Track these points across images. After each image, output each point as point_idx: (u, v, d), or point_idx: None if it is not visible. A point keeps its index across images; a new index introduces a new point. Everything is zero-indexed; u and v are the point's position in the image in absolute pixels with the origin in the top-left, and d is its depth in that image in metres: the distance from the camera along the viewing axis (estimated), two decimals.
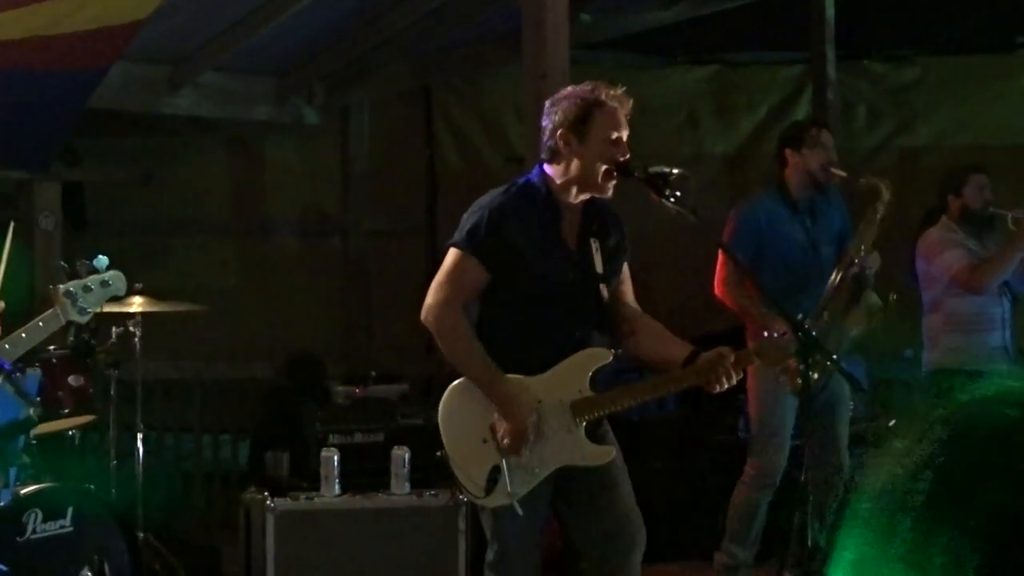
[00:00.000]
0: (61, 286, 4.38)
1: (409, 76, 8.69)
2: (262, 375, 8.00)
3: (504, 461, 4.19)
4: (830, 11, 8.19)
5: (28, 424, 4.44)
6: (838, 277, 5.68)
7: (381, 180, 8.99)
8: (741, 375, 4.30)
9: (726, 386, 4.23)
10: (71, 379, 5.36)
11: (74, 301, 4.39)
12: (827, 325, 5.52)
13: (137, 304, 5.93)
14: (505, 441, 4.18)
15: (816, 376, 5.27)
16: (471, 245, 4.23)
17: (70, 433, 5.59)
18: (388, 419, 6.11)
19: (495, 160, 8.46)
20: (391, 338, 8.31)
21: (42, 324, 4.39)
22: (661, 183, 4.19)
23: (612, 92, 4.25)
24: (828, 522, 5.96)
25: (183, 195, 8.70)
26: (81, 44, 6.31)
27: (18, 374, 4.24)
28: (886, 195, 5.74)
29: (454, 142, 8.99)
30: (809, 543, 4.83)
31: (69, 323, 4.52)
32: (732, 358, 4.22)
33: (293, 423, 6.15)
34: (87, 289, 4.42)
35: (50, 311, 4.41)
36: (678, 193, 4.18)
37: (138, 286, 5.79)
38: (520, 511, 4.20)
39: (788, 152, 5.90)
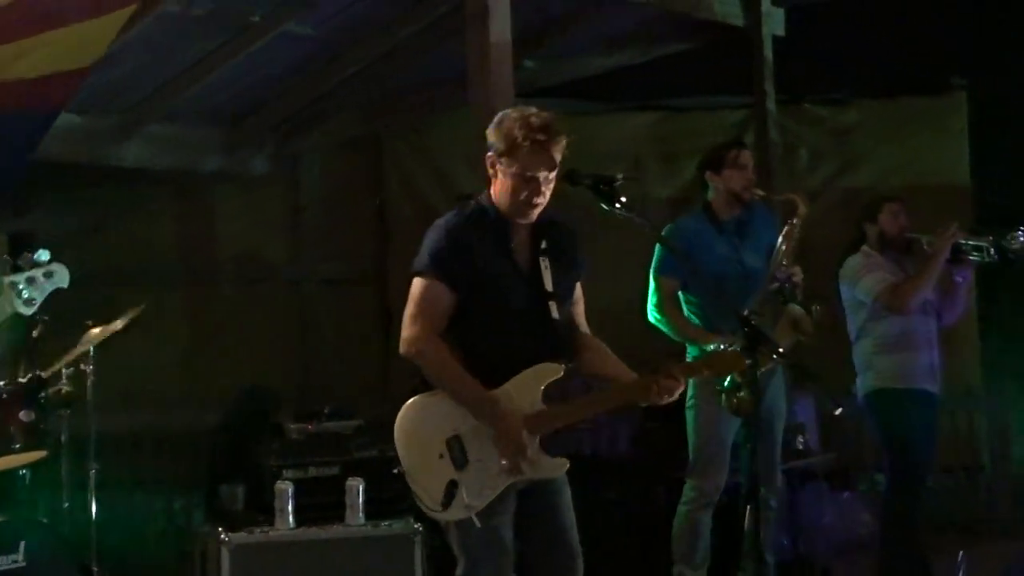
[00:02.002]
0: (5, 278, 4.38)
1: (358, 124, 8.79)
2: (215, 423, 7.96)
3: (460, 475, 4.25)
4: (768, 53, 8.38)
5: None
6: (762, 293, 5.84)
7: (331, 228, 9.03)
8: (683, 387, 4.38)
9: (667, 400, 4.33)
10: (22, 414, 5.37)
11: (18, 293, 4.38)
12: None
13: (93, 336, 5.93)
14: (504, 462, 4.25)
15: (763, 368, 5.41)
16: (435, 268, 4.34)
17: (21, 472, 5.56)
18: (342, 452, 6.13)
19: (445, 206, 8.43)
20: (344, 386, 8.31)
21: None
22: (608, 190, 4.28)
23: (542, 136, 4.29)
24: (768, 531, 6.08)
25: (132, 245, 8.68)
26: (28, 90, 6.32)
27: None
28: (803, 210, 5.97)
29: (404, 189, 9.07)
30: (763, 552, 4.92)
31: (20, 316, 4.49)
32: (677, 370, 4.33)
33: (247, 457, 6.16)
34: (31, 281, 4.41)
35: None
36: (623, 199, 4.28)
37: (89, 323, 5.80)
38: (479, 524, 4.25)
39: (709, 175, 6.10)
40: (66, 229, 7.98)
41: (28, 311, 4.46)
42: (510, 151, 4.32)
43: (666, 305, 6.02)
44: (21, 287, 4.40)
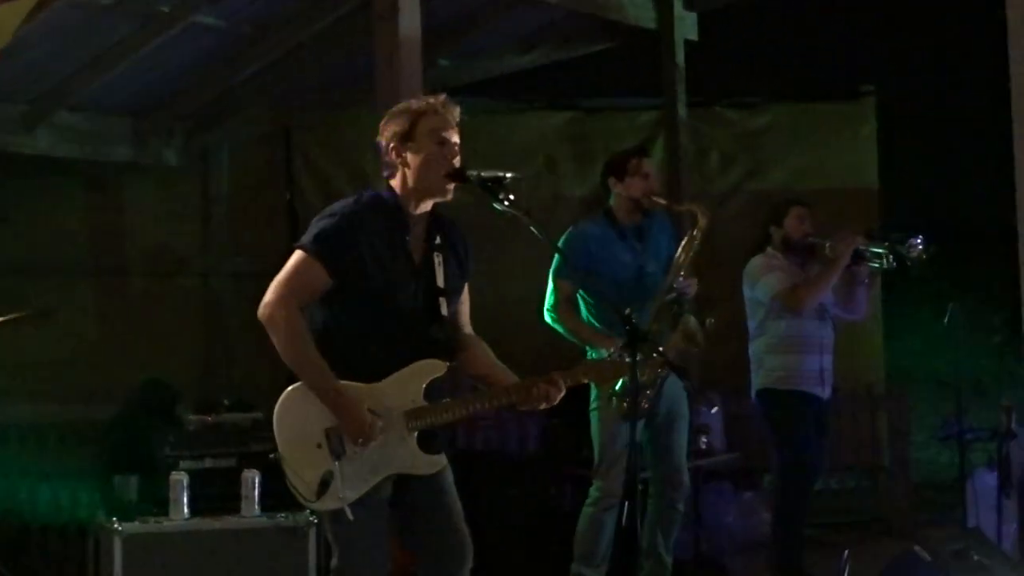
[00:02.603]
0: None
1: (268, 118, 8.78)
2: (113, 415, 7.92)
3: (336, 466, 4.24)
4: (680, 57, 8.48)
5: None
6: (658, 302, 5.89)
7: (241, 221, 9.02)
8: (563, 393, 4.37)
9: (544, 405, 4.35)
10: None
11: None
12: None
13: None
14: (348, 443, 4.23)
15: (648, 380, 5.48)
16: (316, 249, 4.29)
17: None
18: (240, 444, 6.09)
19: None
20: (250, 379, 8.29)
21: None
22: (496, 187, 4.31)
23: (434, 100, 4.41)
24: (666, 529, 6.14)
25: (40, 236, 8.61)
26: None
27: None
28: (703, 221, 6.01)
29: (314, 183, 9.07)
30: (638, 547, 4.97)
31: None
32: (557, 376, 4.35)
33: (142, 448, 6.13)
34: None
35: None
36: (512, 196, 4.30)
37: None
38: (351, 515, 4.24)
39: (612, 181, 6.15)
40: None
41: None
42: (414, 124, 4.34)
43: (561, 307, 6.06)
44: None
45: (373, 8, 6.37)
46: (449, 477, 4.48)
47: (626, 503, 4.43)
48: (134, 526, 5.64)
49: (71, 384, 8.48)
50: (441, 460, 4.42)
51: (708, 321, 5.95)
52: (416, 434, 4.34)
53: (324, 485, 4.24)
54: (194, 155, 8.90)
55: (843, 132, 9.32)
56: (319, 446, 4.27)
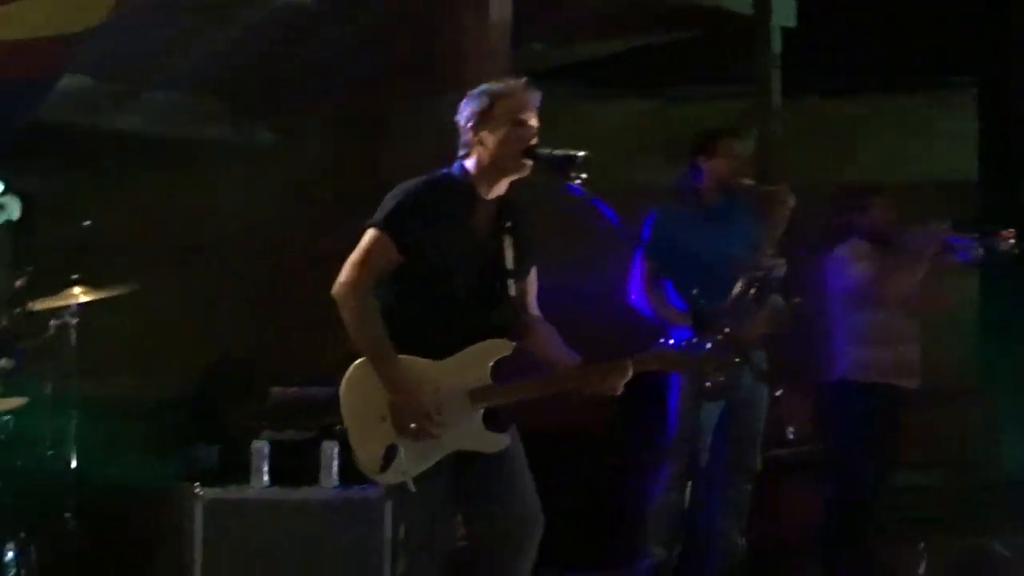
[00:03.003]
0: None
1: (357, 100, 8.81)
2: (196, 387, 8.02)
3: (400, 440, 4.26)
4: (776, 45, 8.39)
5: None
6: (744, 282, 5.83)
7: (328, 203, 9.08)
8: (626, 379, 4.34)
9: (610, 392, 4.33)
10: (3, 361, 5.41)
11: None
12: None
13: (75, 295, 5.99)
14: (405, 423, 4.24)
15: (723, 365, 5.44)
16: (388, 225, 4.35)
17: (3, 419, 5.62)
18: (321, 417, 6.15)
19: None
20: (332, 357, 8.33)
21: None
22: (567, 165, 4.29)
23: (514, 83, 4.42)
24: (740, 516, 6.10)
25: (129, 214, 8.74)
26: (26, 51, 6.38)
27: None
28: (790, 202, 5.94)
29: (399, 168, 9.04)
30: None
31: None
32: (626, 362, 4.33)
33: (226, 419, 6.21)
34: None
35: None
36: (583, 175, 4.29)
37: (75, 276, 5.87)
38: (413, 488, 4.26)
39: (701, 158, 6.10)
40: (61, 193, 8.04)
41: None
42: (493, 104, 4.36)
43: (647, 287, 6.03)
44: None
45: None
46: (518, 452, 4.47)
47: (689, 483, 4.42)
48: (215, 492, 5.73)
49: (160, 358, 8.62)
50: (506, 439, 4.41)
51: (794, 301, 5.90)
52: (482, 412, 4.35)
53: (388, 459, 4.26)
54: (283, 135, 8.98)
55: (941, 123, 9.18)
56: (384, 419, 4.29)
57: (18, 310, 5.64)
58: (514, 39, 6.40)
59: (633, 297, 6.07)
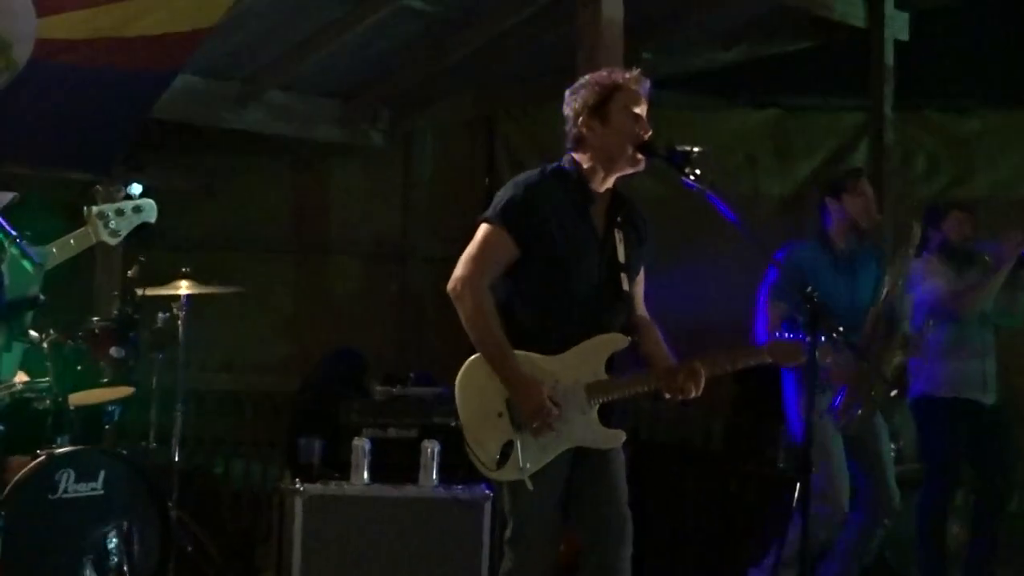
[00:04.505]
0: (95, 207, 4.51)
1: (472, 105, 8.88)
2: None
3: (518, 436, 4.25)
4: (890, 59, 8.27)
5: (36, 302, 4.50)
6: (874, 315, 5.83)
7: (441, 206, 9.15)
8: (702, 381, 4.33)
9: (689, 395, 4.32)
10: (113, 350, 5.50)
11: (106, 222, 4.52)
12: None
13: (183, 288, 6.11)
14: (527, 421, 4.23)
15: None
16: (503, 219, 4.33)
17: (109, 408, 5.73)
18: (422, 416, 6.21)
19: None
20: (440, 358, 8.40)
21: (73, 241, 4.52)
22: (682, 161, 4.26)
23: (628, 74, 4.40)
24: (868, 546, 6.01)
25: (244, 211, 8.89)
26: (147, 48, 6.51)
27: (22, 241, 4.31)
28: (917, 235, 5.93)
29: (513, 171, 9.08)
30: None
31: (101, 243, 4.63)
32: (698, 363, 4.32)
33: (329, 415, 6.27)
34: (119, 212, 4.55)
35: (81, 230, 4.53)
36: (698, 171, 4.25)
37: (185, 270, 5.98)
38: (531, 486, 4.25)
39: (829, 200, 6.03)
40: (178, 189, 8.18)
41: (113, 242, 4.60)
42: (608, 97, 4.33)
43: (772, 328, 5.94)
44: (109, 217, 4.55)
45: None
46: (621, 457, 4.46)
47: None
48: (315, 488, 5.77)
49: (268, 355, 8.74)
50: (620, 434, 4.39)
51: (929, 324, 5.87)
52: (597, 407, 4.33)
53: (505, 455, 4.25)
54: (398, 138, 9.07)
55: None
56: (500, 415, 4.28)
57: (129, 298, 5.71)
58: (626, 48, 6.38)
59: (762, 341, 5.99)
